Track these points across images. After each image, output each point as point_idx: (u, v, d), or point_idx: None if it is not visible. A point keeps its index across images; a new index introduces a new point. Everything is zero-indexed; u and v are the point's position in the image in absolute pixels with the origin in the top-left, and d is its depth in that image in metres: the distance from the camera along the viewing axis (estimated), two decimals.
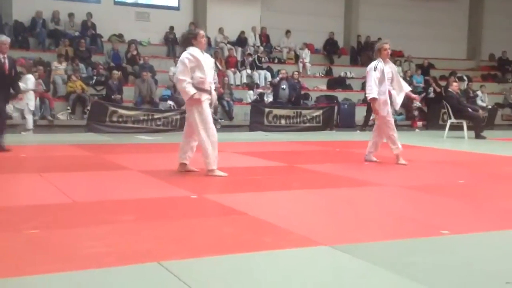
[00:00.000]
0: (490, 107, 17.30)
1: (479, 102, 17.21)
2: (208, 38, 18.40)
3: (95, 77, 15.25)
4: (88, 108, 13.50)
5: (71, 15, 16.85)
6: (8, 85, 8.52)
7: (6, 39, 8.62)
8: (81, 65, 15.41)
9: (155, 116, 12.94)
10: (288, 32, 19.14)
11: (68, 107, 14.23)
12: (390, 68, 7.36)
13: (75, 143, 9.68)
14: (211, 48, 18.06)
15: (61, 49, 15.72)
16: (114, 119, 12.53)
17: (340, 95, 17.54)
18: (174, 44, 17.81)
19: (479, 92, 18.08)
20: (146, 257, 3.04)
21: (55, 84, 14.73)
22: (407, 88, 7.53)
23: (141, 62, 16.05)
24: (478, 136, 12.37)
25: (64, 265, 2.89)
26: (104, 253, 3.11)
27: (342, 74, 18.97)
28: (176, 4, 18.57)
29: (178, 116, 13.12)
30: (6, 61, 8.31)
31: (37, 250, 3.20)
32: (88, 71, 15.57)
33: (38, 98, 13.45)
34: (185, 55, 5.97)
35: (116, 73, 14.54)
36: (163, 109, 13.91)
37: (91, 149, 8.95)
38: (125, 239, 3.46)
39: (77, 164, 7.15)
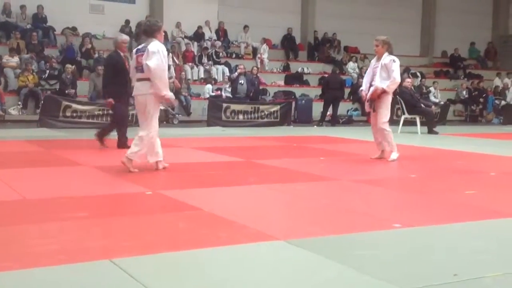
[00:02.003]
0: (442, 103, 17.74)
1: (432, 98, 17.64)
2: (165, 33, 18.25)
3: (48, 71, 14.88)
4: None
5: (22, 7, 16.38)
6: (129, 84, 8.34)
7: (126, 37, 8.41)
8: (26, 59, 14.98)
9: (110, 111, 12.70)
10: (246, 27, 19.14)
11: (20, 102, 13.84)
12: (379, 63, 7.24)
13: (27, 139, 9.43)
14: (168, 42, 17.88)
15: (13, 42, 15.28)
16: (68, 114, 12.27)
17: (298, 90, 17.68)
18: (130, 38, 17.52)
19: (432, 88, 18.52)
20: (97, 254, 2.99)
21: (6, 78, 14.31)
22: (378, 84, 7.14)
23: (96, 56, 15.75)
24: (430, 131, 12.69)
25: (13, 263, 2.81)
26: (54, 251, 3.04)
27: (300, 69, 19.11)
28: None
29: (134, 111, 12.92)
30: (126, 60, 8.10)
31: None
32: (40, 64, 15.17)
33: None
34: (161, 47, 5.89)
35: (70, 67, 14.23)
36: None
37: (43, 144, 8.74)
38: (76, 236, 3.39)
39: (29, 160, 6.97)
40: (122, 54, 8.10)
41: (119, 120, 8.37)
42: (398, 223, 3.84)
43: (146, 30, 6.05)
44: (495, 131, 14.57)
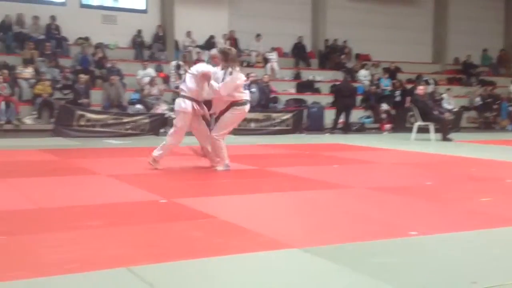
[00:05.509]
0: (456, 109, 17.64)
1: (445, 105, 17.53)
2: (176, 42, 18.35)
3: (61, 81, 15.01)
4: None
5: (35, 18, 16.56)
6: None
7: (214, 52, 8.56)
8: (47, 69, 15.16)
9: (124, 120, 12.81)
10: (258, 35, 19.18)
11: (35, 111, 13.97)
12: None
13: (42, 148, 9.50)
14: (179, 51, 17.97)
15: (26, 53, 15.44)
16: (82, 123, 12.37)
17: (309, 98, 17.66)
18: (141, 47, 17.66)
19: (445, 95, 18.43)
20: (114, 262, 2.99)
21: (20, 87, 14.45)
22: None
23: (109, 65, 15.86)
24: (444, 138, 12.61)
25: (29, 272, 2.82)
26: (71, 259, 3.05)
27: (311, 77, 19.09)
28: (143, 7, 18.43)
29: (147, 120, 13.01)
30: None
31: (2, 257, 3.12)
32: (54, 74, 15.30)
33: (3, 102, 13.22)
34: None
35: (83, 77, 14.34)
36: (131, 113, 13.78)
37: (58, 153, 8.79)
38: (92, 244, 3.39)
39: (44, 169, 7.01)
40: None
41: None
42: (414, 231, 3.81)
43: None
44: (510, 137, 14.43)
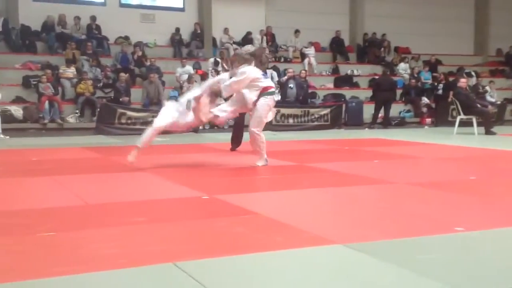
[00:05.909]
0: (499, 102, 17.21)
1: (488, 98, 17.13)
2: (213, 39, 18.46)
3: (103, 80, 15.32)
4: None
5: (77, 18, 16.92)
6: None
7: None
8: (89, 68, 15.49)
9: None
10: (297, 31, 19.12)
11: (77, 110, 14.29)
12: None
13: (85, 146, 9.71)
14: (217, 48, 18.08)
15: (68, 53, 15.81)
16: (123, 121, 12.60)
17: (348, 93, 17.51)
18: (180, 45, 17.84)
19: (487, 88, 18.00)
20: (160, 257, 3.04)
21: (63, 87, 14.81)
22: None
23: (148, 64, 16.08)
24: (488, 132, 12.33)
25: (78, 267, 2.89)
26: (118, 255, 3.11)
27: (349, 72, 18.93)
28: (181, 5, 18.61)
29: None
30: None
31: (52, 253, 3.21)
32: (96, 73, 15.63)
33: (47, 102, 13.56)
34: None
35: (124, 76, 14.58)
36: None
37: (100, 151, 8.98)
38: (138, 240, 3.46)
39: (88, 166, 7.17)
40: None
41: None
42: (460, 227, 3.74)
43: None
44: None
